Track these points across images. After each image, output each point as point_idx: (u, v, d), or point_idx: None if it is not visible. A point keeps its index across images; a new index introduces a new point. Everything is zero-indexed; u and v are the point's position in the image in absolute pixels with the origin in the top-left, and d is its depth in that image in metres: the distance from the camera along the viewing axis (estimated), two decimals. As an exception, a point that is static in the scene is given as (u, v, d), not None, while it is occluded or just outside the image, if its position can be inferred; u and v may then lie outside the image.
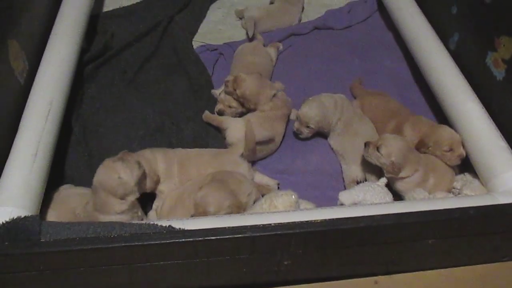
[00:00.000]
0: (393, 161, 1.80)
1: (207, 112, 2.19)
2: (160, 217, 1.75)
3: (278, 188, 1.97)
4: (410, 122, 2.05)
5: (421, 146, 1.93)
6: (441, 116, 2.13)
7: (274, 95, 2.14)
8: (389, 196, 1.81)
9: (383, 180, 1.87)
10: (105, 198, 1.61)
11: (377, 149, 1.84)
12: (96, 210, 1.64)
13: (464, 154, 1.86)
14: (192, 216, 1.64)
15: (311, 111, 2.08)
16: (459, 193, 1.84)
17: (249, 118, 2.10)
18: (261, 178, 1.98)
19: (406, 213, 1.44)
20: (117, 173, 1.61)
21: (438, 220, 1.44)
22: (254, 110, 2.14)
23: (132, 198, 1.64)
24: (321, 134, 2.19)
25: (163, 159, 1.88)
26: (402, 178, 1.84)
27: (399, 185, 1.87)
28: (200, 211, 1.62)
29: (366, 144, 1.88)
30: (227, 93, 2.19)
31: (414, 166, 1.83)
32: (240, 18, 2.80)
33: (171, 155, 1.91)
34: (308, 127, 2.11)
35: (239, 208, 1.67)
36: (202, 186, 1.68)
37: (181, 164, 1.88)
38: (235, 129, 2.06)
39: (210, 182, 1.71)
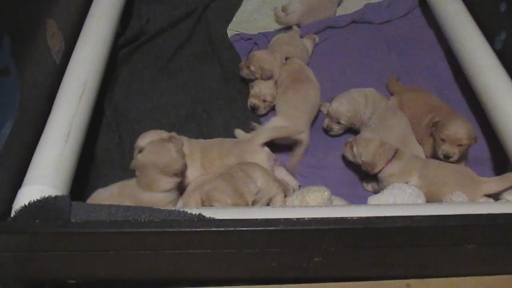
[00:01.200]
0: (364, 160, 1.85)
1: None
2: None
3: (299, 187, 1.89)
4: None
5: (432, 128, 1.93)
6: (482, 117, 2.05)
7: (287, 59, 2.24)
8: (421, 198, 1.74)
9: (414, 181, 1.80)
10: (154, 175, 1.64)
11: (352, 148, 1.89)
12: (140, 187, 1.65)
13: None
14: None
15: (342, 107, 2.04)
16: (499, 199, 1.76)
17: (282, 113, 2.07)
18: (283, 175, 1.93)
19: (448, 216, 1.38)
20: (170, 151, 1.65)
21: (482, 225, 1.37)
22: (269, 79, 2.19)
23: (178, 178, 1.69)
24: (352, 130, 2.13)
25: (187, 145, 1.86)
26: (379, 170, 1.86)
27: (378, 175, 1.88)
28: (205, 205, 1.60)
29: (344, 144, 1.95)
30: (244, 76, 2.28)
31: (385, 159, 1.84)
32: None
33: (194, 142, 1.90)
34: (338, 123, 2.06)
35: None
36: (211, 180, 1.68)
37: (204, 151, 1.87)
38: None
39: (219, 177, 1.69)
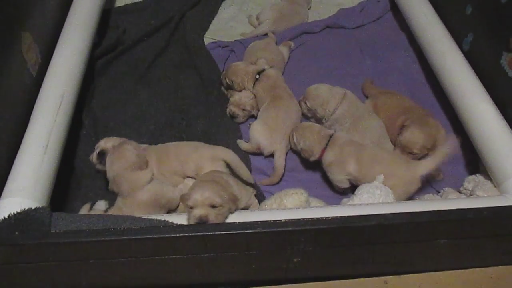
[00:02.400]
0: (302, 147, 1.94)
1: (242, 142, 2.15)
2: None
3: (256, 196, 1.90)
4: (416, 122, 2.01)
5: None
6: (454, 117, 2.11)
7: (260, 73, 2.24)
8: (390, 197, 1.74)
9: (380, 179, 1.80)
10: (132, 175, 1.71)
11: (293, 137, 1.99)
12: (125, 197, 1.70)
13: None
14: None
15: (317, 90, 2.15)
16: (470, 194, 1.82)
17: (261, 118, 2.12)
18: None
19: (418, 212, 1.42)
20: (130, 150, 1.75)
21: (451, 220, 1.42)
22: (241, 91, 2.25)
23: (149, 166, 1.80)
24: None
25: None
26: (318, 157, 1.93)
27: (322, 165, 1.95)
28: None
29: (290, 134, 2.03)
30: (226, 87, 2.33)
31: (320, 147, 1.91)
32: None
33: (150, 150, 1.90)
34: (305, 103, 2.17)
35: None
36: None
37: (159, 158, 1.87)
38: (255, 131, 2.08)
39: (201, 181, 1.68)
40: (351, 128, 2.08)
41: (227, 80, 2.27)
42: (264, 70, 2.25)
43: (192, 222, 1.43)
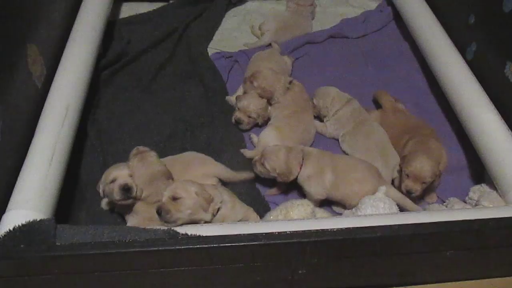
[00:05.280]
0: (278, 172, 1.85)
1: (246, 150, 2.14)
2: None
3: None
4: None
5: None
6: (458, 126, 2.11)
7: (290, 82, 2.26)
8: (394, 208, 1.73)
9: (383, 190, 1.80)
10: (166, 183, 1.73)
11: (263, 165, 1.87)
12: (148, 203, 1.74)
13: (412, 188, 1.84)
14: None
15: (325, 89, 2.23)
16: (476, 204, 1.82)
17: (276, 125, 2.13)
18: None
19: (424, 224, 1.42)
20: (152, 158, 1.82)
21: (457, 231, 1.42)
22: (270, 99, 2.24)
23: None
24: (335, 142, 2.19)
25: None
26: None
27: (298, 181, 1.90)
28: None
29: (253, 163, 1.92)
30: (246, 88, 2.28)
31: (298, 163, 1.87)
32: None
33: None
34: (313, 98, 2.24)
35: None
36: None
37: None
38: (268, 137, 2.08)
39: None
40: (355, 132, 2.10)
41: (255, 84, 2.22)
42: (292, 80, 2.28)
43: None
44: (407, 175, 1.84)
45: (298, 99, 2.23)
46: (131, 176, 1.72)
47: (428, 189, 1.93)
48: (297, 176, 1.88)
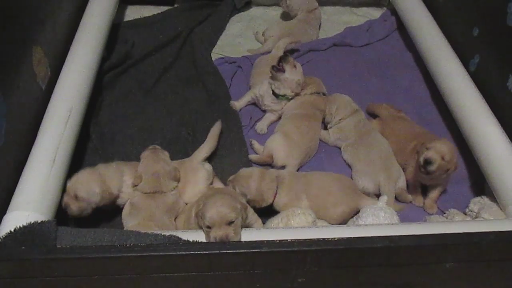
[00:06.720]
0: (250, 199, 1.80)
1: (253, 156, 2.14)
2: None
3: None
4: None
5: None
6: (460, 137, 2.11)
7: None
8: (395, 218, 1.73)
9: (384, 199, 1.81)
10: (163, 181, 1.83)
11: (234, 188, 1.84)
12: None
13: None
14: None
15: (336, 97, 2.30)
16: (476, 216, 1.82)
17: (285, 130, 2.14)
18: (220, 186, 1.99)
19: (424, 235, 1.42)
20: (163, 156, 1.91)
21: (458, 243, 1.42)
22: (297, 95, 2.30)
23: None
24: (337, 150, 2.19)
25: (129, 172, 1.89)
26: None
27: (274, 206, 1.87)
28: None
29: (227, 183, 1.89)
30: (272, 76, 2.30)
31: (272, 192, 1.83)
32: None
33: (131, 166, 1.93)
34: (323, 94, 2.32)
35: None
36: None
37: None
38: (275, 141, 2.09)
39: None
40: (357, 143, 2.10)
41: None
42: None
43: (212, 241, 1.46)
44: (427, 148, 1.83)
45: (313, 102, 2.26)
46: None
47: (429, 199, 1.95)
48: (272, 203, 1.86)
